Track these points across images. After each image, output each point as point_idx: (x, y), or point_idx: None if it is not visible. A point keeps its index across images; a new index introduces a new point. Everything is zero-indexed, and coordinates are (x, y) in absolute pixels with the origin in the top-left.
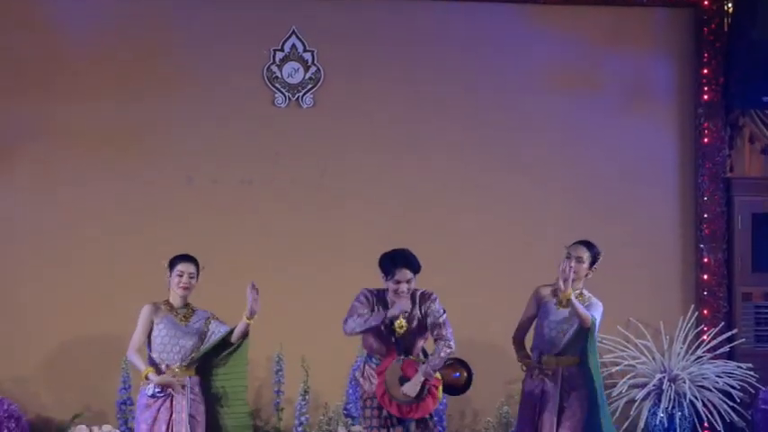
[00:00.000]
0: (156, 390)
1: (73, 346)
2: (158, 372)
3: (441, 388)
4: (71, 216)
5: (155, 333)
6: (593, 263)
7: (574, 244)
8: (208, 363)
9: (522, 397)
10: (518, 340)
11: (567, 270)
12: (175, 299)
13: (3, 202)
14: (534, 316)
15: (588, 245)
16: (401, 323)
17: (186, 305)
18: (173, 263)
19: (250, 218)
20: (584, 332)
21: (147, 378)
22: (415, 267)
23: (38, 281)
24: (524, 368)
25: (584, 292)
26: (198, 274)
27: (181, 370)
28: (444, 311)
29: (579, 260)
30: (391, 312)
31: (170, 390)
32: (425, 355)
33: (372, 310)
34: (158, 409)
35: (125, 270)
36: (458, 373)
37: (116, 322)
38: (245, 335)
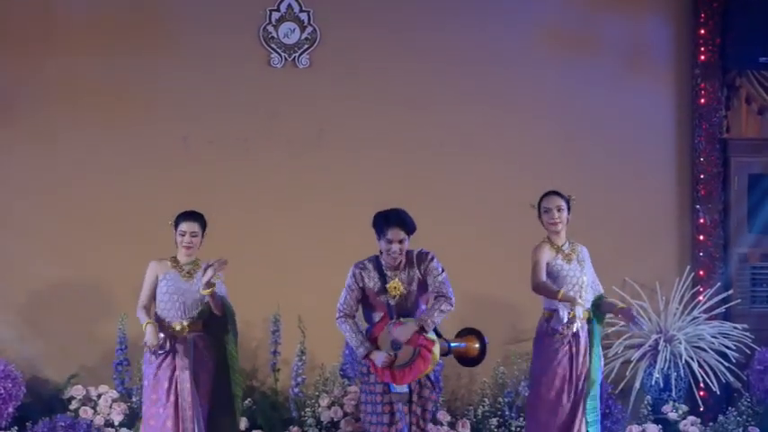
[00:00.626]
0: (156, 349)
1: (69, 306)
2: (162, 328)
3: (435, 350)
4: (69, 173)
5: (158, 289)
6: (569, 208)
7: (547, 197)
8: (216, 321)
9: (546, 362)
10: (543, 284)
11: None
12: (182, 256)
13: (1, 157)
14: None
15: (558, 193)
16: (395, 284)
17: (194, 262)
18: (177, 221)
19: (246, 178)
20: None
21: (144, 329)
22: (408, 227)
23: (36, 239)
24: (564, 299)
25: (571, 240)
26: (203, 232)
27: (182, 327)
28: (443, 270)
29: (560, 209)
30: (375, 358)
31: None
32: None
33: (363, 289)
34: (158, 366)
35: (123, 231)
36: (464, 344)
37: (114, 282)
38: (222, 306)
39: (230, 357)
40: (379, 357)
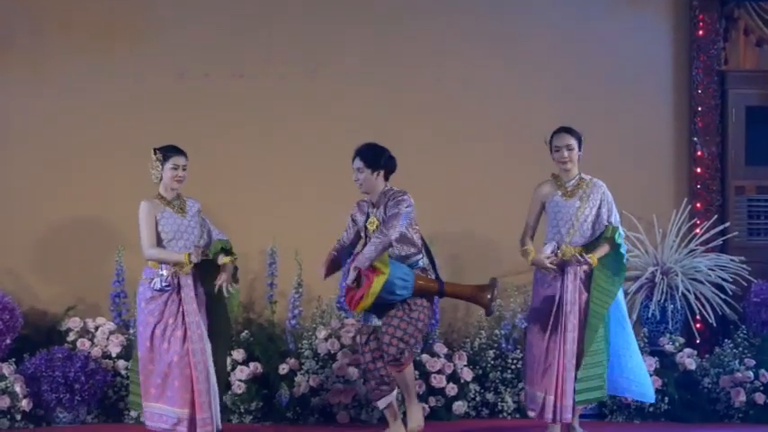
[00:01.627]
0: (165, 284)
1: (66, 239)
2: (167, 265)
3: (376, 280)
4: (65, 109)
5: (159, 228)
6: (580, 144)
7: (557, 135)
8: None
9: (534, 302)
10: (522, 238)
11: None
12: (167, 192)
13: None
14: (539, 215)
15: (569, 130)
16: (372, 220)
17: (179, 196)
18: (166, 156)
19: (242, 112)
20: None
21: (189, 261)
22: (366, 159)
23: (32, 173)
24: (528, 257)
25: (583, 176)
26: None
27: (188, 263)
28: (408, 207)
29: (569, 148)
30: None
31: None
32: (435, 270)
33: (355, 223)
34: (165, 303)
35: (118, 164)
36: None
37: (109, 216)
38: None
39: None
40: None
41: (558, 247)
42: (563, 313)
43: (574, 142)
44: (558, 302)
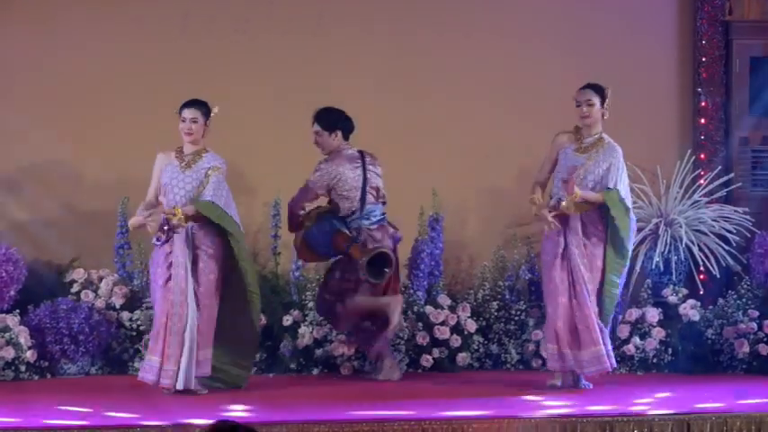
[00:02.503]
0: (155, 237)
1: (71, 189)
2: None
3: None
4: (68, 58)
5: (160, 180)
6: (603, 101)
7: (580, 90)
8: None
9: (544, 257)
10: (535, 187)
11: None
12: (186, 145)
13: (1, 39)
14: (554, 164)
15: (592, 86)
16: None
17: (197, 151)
18: (180, 111)
19: (245, 64)
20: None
21: (130, 226)
22: (322, 122)
23: (35, 125)
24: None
25: (604, 136)
26: (207, 118)
27: (178, 218)
28: (316, 173)
29: (589, 103)
30: None
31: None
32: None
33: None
34: (163, 255)
35: (122, 113)
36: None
37: (115, 164)
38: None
39: (244, 273)
40: None
41: (561, 201)
42: (572, 266)
43: (594, 98)
44: (566, 256)
